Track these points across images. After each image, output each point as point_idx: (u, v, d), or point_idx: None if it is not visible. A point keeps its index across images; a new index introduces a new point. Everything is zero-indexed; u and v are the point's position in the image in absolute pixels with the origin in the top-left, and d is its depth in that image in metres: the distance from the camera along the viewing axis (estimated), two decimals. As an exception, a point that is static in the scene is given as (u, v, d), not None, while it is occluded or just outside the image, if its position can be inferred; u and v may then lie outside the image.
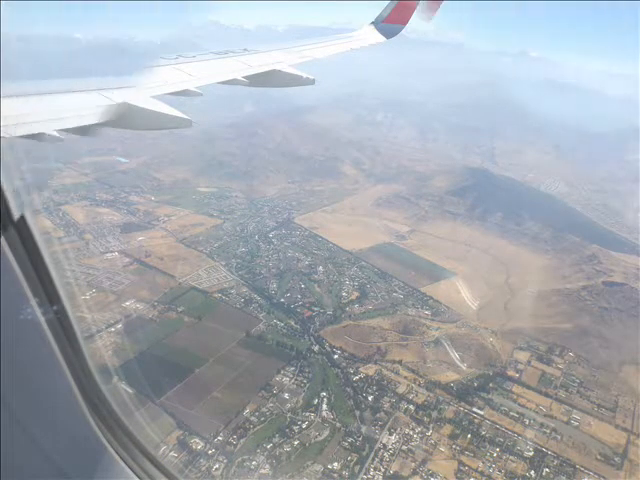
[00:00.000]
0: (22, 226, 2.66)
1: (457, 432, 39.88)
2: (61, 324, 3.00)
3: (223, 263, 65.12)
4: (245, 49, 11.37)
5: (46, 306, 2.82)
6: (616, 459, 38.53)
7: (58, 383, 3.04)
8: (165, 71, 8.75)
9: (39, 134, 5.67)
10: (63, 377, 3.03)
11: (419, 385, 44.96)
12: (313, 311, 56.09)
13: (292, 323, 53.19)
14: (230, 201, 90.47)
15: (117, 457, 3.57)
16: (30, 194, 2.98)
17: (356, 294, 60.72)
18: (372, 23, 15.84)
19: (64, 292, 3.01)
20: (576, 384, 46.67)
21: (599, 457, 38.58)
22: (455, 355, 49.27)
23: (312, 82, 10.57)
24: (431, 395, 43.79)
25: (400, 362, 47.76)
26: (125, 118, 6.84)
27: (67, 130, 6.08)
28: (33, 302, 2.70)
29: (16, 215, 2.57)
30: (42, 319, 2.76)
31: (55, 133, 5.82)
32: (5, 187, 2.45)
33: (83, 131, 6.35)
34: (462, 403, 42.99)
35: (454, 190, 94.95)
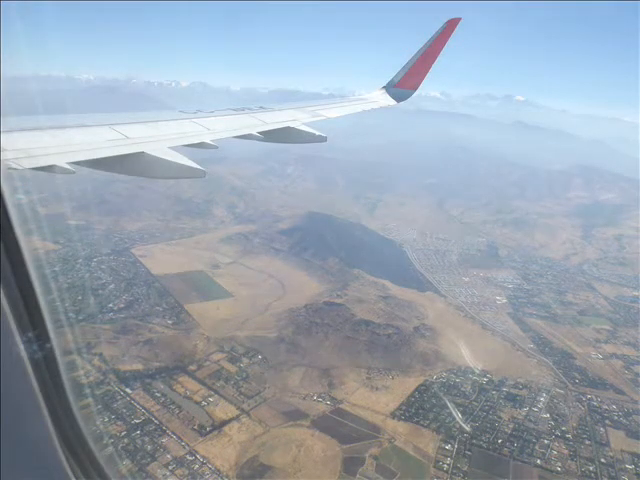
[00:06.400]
0: (12, 248, 2.45)
1: (91, 404, 48.29)
2: (45, 359, 2.76)
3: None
4: (261, 107, 11.78)
5: (31, 339, 2.60)
6: (208, 429, 46.88)
7: (35, 425, 2.78)
8: (184, 124, 9.13)
9: (50, 166, 5.73)
10: (41, 419, 2.78)
11: (99, 370, 53.88)
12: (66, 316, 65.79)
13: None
14: (87, 232, 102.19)
15: None
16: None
17: (122, 305, 70.65)
18: (384, 87, 16.54)
19: (52, 324, 2.76)
20: (239, 378, 55.27)
21: (195, 427, 46.89)
22: (156, 352, 58.41)
23: (324, 139, 10.84)
24: (101, 377, 52.65)
25: (100, 354, 56.96)
26: (143, 167, 7.07)
27: (79, 163, 6.20)
28: (17, 333, 2.48)
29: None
30: (25, 354, 2.54)
31: (66, 165, 5.87)
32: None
33: (95, 164, 6.48)
34: (121, 385, 51.79)
35: (288, 230, 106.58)
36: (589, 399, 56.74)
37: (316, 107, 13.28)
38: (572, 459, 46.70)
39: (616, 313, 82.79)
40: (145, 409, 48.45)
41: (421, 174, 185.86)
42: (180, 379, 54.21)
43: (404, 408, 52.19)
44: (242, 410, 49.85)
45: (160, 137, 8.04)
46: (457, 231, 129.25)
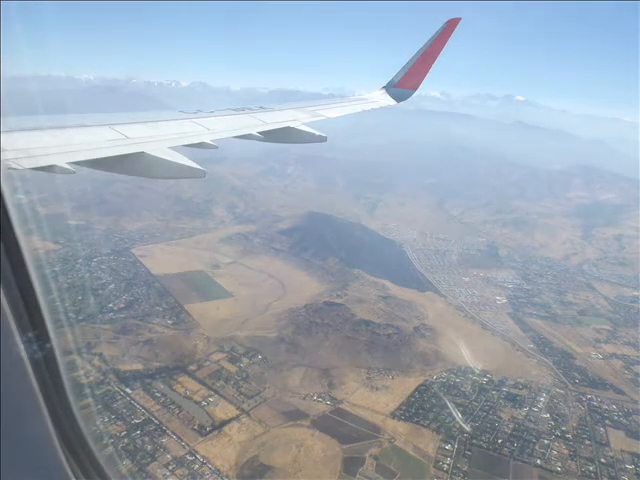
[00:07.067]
0: (12, 248, 2.44)
1: (91, 403, 48.50)
2: (45, 359, 2.74)
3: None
4: (261, 107, 11.79)
5: (31, 339, 2.57)
6: (208, 429, 46.86)
7: (35, 425, 2.76)
8: (184, 124, 9.14)
9: (50, 166, 5.74)
10: (41, 419, 2.76)
11: (99, 370, 53.90)
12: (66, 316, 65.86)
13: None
14: (87, 232, 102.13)
15: None
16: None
17: (122, 305, 70.61)
18: (384, 87, 16.55)
19: (52, 324, 2.73)
20: (239, 378, 55.25)
21: (195, 427, 46.90)
22: (156, 352, 58.40)
23: (324, 139, 10.84)
24: (101, 377, 52.65)
25: (100, 354, 56.93)
26: (143, 167, 7.08)
27: (79, 163, 6.20)
28: (17, 333, 2.45)
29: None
30: (25, 354, 2.51)
31: (66, 165, 5.86)
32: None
33: (95, 164, 6.49)
34: (121, 385, 51.78)
35: (288, 230, 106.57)
36: (589, 399, 56.74)
37: (316, 107, 13.24)
38: (572, 459, 46.72)
39: (616, 313, 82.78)
40: (145, 409, 48.47)
41: (421, 174, 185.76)
42: (180, 379, 54.21)
43: (404, 408, 52.20)
44: (242, 410, 49.86)
45: (160, 137, 8.01)
46: (457, 231, 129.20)
